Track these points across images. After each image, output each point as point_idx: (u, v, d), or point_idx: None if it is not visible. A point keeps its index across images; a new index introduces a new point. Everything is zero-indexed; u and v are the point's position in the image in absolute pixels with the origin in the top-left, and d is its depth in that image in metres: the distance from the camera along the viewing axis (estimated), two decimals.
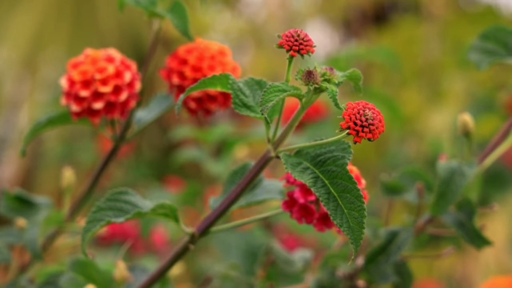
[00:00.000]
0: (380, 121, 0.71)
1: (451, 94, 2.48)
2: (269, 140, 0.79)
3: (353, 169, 0.82)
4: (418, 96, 2.57)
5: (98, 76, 0.94)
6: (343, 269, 1.02)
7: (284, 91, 0.74)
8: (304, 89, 0.76)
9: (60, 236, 1.07)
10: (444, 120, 2.35)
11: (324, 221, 0.82)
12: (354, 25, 3.30)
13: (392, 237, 0.99)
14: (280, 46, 0.75)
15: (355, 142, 0.71)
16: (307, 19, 3.38)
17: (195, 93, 0.95)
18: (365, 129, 0.70)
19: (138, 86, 0.97)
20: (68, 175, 1.06)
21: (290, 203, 0.83)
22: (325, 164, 0.76)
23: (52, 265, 1.16)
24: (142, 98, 1.00)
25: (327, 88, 0.74)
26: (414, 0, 3.11)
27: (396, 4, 3.48)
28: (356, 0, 3.13)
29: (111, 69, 0.95)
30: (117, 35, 2.80)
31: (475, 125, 1.01)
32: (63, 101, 0.96)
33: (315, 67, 0.75)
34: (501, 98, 1.98)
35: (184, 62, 0.97)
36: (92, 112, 0.95)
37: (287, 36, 0.74)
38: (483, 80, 2.44)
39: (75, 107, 0.94)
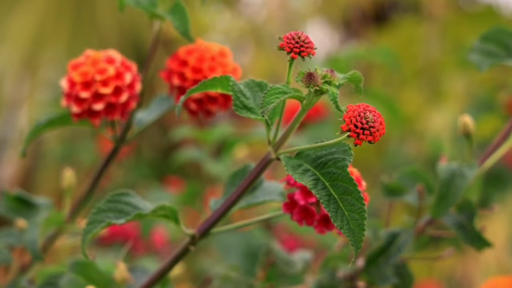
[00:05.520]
0: (380, 124, 0.71)
1: (451, 94, 2.48)
2: (269, 142, 0.79)
3: (353, 171, 0.82)
4: (418, 96, 2.57)
5: (98, 77, 0.94)
6: (343, 271, 1.02)
7: (285, 93, 0.74)
8: (305, 91, 0.76)
9: (60, 237, 1.07)
10: (444, 120, 2.35)
11: (325, 223, 0.82)
12: (354, 25, 3.30)
13: (393, 238, 0.99)
14: (281, 48, 0.75)
15: (355, 145, 0.71)
16: (307, 19, 3.38)
17: (196, 94, 0.95)
18: (366, 132, 0.70)
19: (138, 87, 0.97)
20: (69, 175, 1.06)
21: (290, 205, 0.83)
22: (325, 166, 0.76)
23: (52, 266, 1.16)
24: (143, 99, 1.00)
25: (327, 90, 0.74)
26: (414, 0, 3.11)
27: (396, 4, 3.48)
28: (356, 0, 3.13)
29: (111, 70, 0.95)
30: (118, 35, 2.80)
31: (475, 125, 1.01)
32: (64, 102, 0.96)
33: (315, 69, 0.75)
34: (501, 98, 1.98)
35: (184, 63, 0.97)
36: (92, 113, 0.95)
37: (287, 38, 0.74)
38: (483, 80, 2.44)
39: (75, 108, 0.94)
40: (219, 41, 1.03)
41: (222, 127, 1.64)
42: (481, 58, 1.02)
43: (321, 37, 3.58)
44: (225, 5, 3.38)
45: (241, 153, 1.64)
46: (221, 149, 1.62)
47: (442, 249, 1.42)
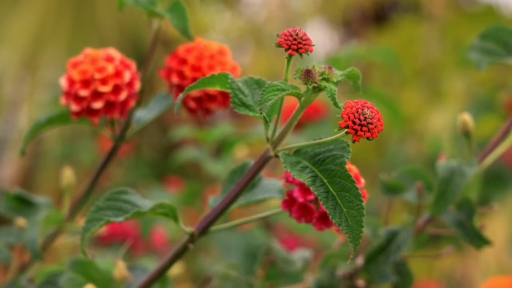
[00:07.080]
0: (378, 120, 0.71)
1: (451, 94, 2.48)
2: (268, 139, 0.79)
3: (352, 168, 0.82)
4: (418, 96, 2.57)
5: (97, 76, 0.94)
6: (343, 269, 1.02)
7: (283, 90, 0.74)
8: (303, 88, 0.76)
9: (60, 236, 1.07)
10: (444, 120, 2.35)
11: (323, 220, 0.82)
12: (354, 25, 3.30)
13: (392, 236, 0.99)
14: (279, 45, 0.75)
15: (353, 141, 0.71)
16: (307, 19, 3.38)
17: (195, 93, 0.95)
18: (364, 128, 0.70)
19: (137, 85, 0.97)
20: (68, 174, 1.06)
21: (289, 202, 0.83)
22: (324, 163, 0.76)
23: (52, 264, 1.16)
24: (142, 98, 1.00)
25: (325, 87, 0.74)
26: (414, 0, 3.11)
27: (396, 4, 3.49)
28: (356, 0, 3.13)
29: (110, 69, 0.95)
30: (117, 34, 2.80)
31: (475, 125, 1.01)
32: (63, 100, 0.96)
33: (313, 66, 0.75)
34: (501, 98, 1.98)
35: (183, 61, 0.97)
36: (91, 112, 0.95)
37: (285, 35, 0.74)
38: (483, 80, 2.44)
39: (74, 107, 0.94)
40: (219, 41, 1.03)
41: (222, 127, 1.64)
42: (481, 56, 1.02)
43: (321, 37, 3.58)
44: (225, 5, 3.39)
45: (241, 153, 1.64)
46: (221, 149, 1.62)
47: (441, 247, 1.42)
